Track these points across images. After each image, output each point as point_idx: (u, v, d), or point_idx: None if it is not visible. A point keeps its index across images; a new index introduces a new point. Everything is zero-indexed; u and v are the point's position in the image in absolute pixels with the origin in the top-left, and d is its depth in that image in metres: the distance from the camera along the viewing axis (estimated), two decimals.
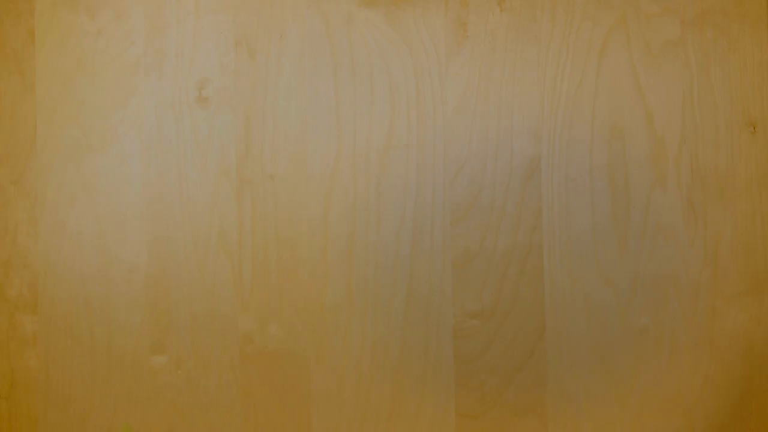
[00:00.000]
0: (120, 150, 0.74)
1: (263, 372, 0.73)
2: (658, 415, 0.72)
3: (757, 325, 0.72)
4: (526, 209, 0.73)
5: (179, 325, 0.73)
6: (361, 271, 0.73)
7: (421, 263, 0.73)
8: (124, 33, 0.74)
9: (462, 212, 0.73)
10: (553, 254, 0.73)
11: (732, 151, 0.73)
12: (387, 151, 0.74)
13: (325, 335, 0.73)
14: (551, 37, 0.74)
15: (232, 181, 0.73)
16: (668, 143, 0.73)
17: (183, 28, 0.74)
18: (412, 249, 0.73)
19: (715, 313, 0.72)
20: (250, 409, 0.73)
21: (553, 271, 0.73)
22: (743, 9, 0.73)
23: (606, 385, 0.72)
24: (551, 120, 0.73)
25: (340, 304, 0.73)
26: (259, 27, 0.74)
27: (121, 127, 0.74)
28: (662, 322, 0.72)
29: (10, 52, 0.75)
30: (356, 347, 0.73)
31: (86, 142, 0.74)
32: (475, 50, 0.74)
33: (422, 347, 0.73)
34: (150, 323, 0.73)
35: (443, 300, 0.73)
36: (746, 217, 0.72)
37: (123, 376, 0.73)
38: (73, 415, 0.73)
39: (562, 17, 0.74)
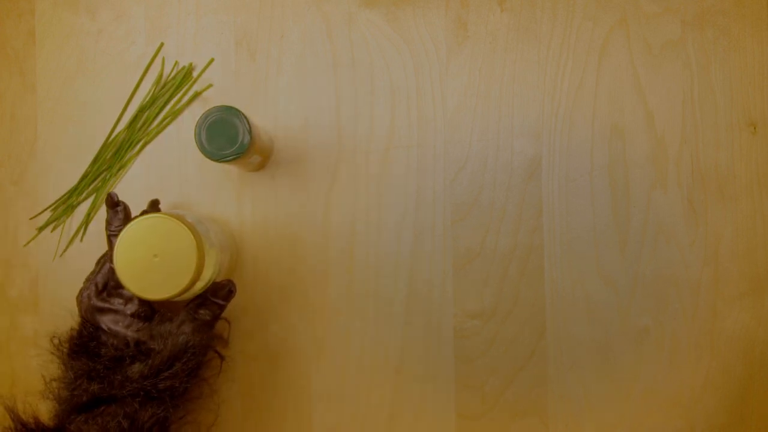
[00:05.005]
0: None
1: (263, 372, 0.73)
2: (658, 415, 0.72)
3: (758, 326, 0.72)
4: (526, 209, 0.73)
5: None
6: (361, 271, 0.73)
7: (421, 263, 0.73)
8: (124, 33, 0.74)
9: (462, 212, 0.73)
10: (554, 254, 0.73)
11: (732, 151, 0.72)
12: (387, 151, 0.74)
13: (325, 335, 0.73)
14: (551, 37, 0.74)
15: (233, 181, 0.73)
16: (668, 143, 0.73)
17: (183, 28, 0.74)
18: (412, 249, 0.73)
19: (716, 313, 0.72)
20: (250, 409, 0.73)
21: (553, 271, 0.73)
22: (744, 9, 0.73)
23: (606, 385, 0.72)
24: (551, 120, 0.73)
25: (340, 304, 0.73)
26: (259, 27, 0.74)
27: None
28: (662, 322, 0.72)
29: (11, 52, 0.75)
30: (356, 347, 0.73)
31: (86, 142, 0.74)
32: (475, 50, 0.74)
33: (422, 347, 0.73)
34: None
35: (443, 300, 0.73)
36: (747, 218, 0.72)
37: None
38: None
39: (563, 17, 0.73)
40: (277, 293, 0.73)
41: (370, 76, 0.74)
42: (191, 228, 0.60)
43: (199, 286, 0.63)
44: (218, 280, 0.67)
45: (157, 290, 0.60)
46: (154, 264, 0.60)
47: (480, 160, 0.73)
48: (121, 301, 0.64)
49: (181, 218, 0.60)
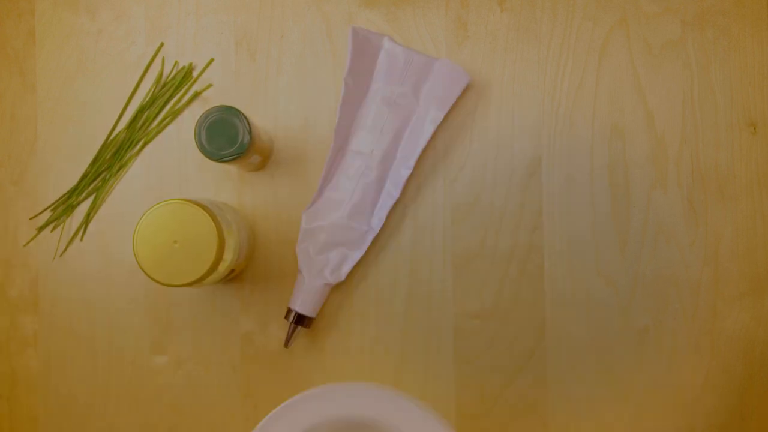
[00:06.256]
0: None
1: (263, 372, 0.73)
2: (658, 415, 0.72)
3: (758, 326, 0.72)
4: (526, 209, 0.73)
5: (179, 325, 0.73)
6: (361, 271, 0.73)
7: (421, 263, 0.73)
8: (124, 33, 0.74)
9: (462, 212, 0.73)
10: (554, 254, 0.73)
11: (732, 151, 0.72)
12: None
13: (324, 335, 0.73)
14: (551, 37, 0.74)
15: (233, 181, 0.74)
16: (668, 143, 0.73)
17: (183, 28, 0.74)
18: (412, 249, 0.73)
19: (716, 313, 0.72)
20: (250, 409, 0.73)
21: (553, 271, 0.73)
22: (744, 9, 0.73)
23: (606, 385, 0.72)
24: (551, 120, 0.73)
25: (339, 304, 0.73)
26: (259, 27, 0.74)
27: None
28: (662, 322, 0.72)
29: (11, 52, 0.75)
30: (356, 347, 0.73)
31: (86, 142, 0.74)
32: (475, 50, 0.74)
33: (422, 347, 0.73)
34: (150, 323, 0.73)
35: (443, 300, 0.73)
36: (747, 218, 0.72)
37: (123, 376, 0.73)
38: (73, 415, 0.73)
39: (563, 17, 0.73)
40: (277, 294, 0.73)
41: None
42: (209, 212, 0.60)
43: (223, 267, 0.63)
44: (239, 261, 0.67)
45: (179, 276, 0.60)
46: (175, 250, 0.60)
47: (480, 160, 0.73)
48: None
49: (198, 203, 0.60)
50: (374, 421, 0.61)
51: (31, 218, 0.74)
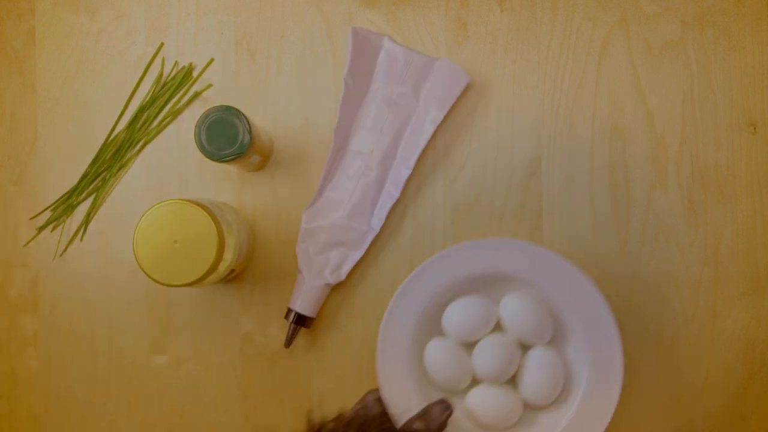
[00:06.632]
0: None
1: (263, 372, 0.73)
2: (658, 415, 0.72)
3: (758, 326, 0.72)
4: (526, 209, 0.73)
5: (179, 325, 0.73)
6: (361, 271, 0.73)
7: (421, 263, 0.73)
8: (124, 33, 0.74)
9: (462, 212, 0.73)
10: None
11: (732, 151, 0.72)
12: None
13: (325, 335, 0.73)
14: (551, 37, 0.74)
15: (233, 181, 0.73)
16: (668, 143, 0.73)
17: (183, 28, 0.74)
18: (412, 249, 0.73)
19: (716, 313, 0.72)
20: (250, 409, 0.73)
21: None
22: (744, 9, 0.73)
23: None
24: (551, 120, 0.73)
25: (340, 304, 0.73)
26: (259, 27, 0.74)
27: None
28: (662, 322, 0.72)
29: (11, 52, 0.75)
30: (356, 347, 0.73)
31: (86, 142, 0.74)
32: (475, 50, 0.74)
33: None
34: (150, 323, 0.73)
35: None
36: (747, 218, 0.72)
37: (123, 377, 0.73)
38: (73, 415, 0.73)
39: (563, 17, 0.73)
40: (277, 294, 0.73)
41: None
42: (209, 212, 0.60)
43: (223, 267, 0.63)
44: (239, 261, 0.67)
45: (179, 276, 0.60)
46: (175, 250, 0.60)
47: (480, 160, 0.73)
48: None
49: (198, 203, 0.60)
50: (514, 274, 0.68)
51: (31, 218, 0.74)
